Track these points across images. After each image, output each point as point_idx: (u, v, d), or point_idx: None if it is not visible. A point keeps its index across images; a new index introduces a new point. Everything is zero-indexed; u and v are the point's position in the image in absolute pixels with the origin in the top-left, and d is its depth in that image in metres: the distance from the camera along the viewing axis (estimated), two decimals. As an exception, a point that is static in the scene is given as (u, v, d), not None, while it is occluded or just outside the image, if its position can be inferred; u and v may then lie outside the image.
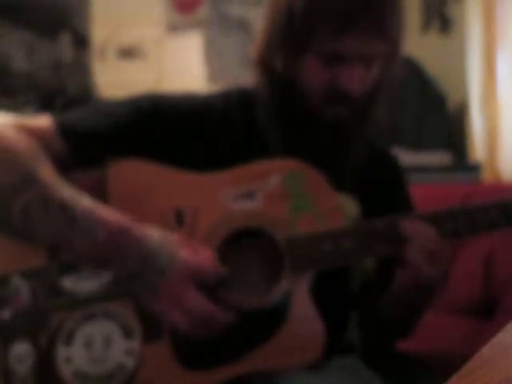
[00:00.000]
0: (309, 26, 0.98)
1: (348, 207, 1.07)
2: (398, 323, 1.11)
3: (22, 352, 0.91)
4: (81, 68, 2.60)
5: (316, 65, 1.00)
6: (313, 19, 0.98)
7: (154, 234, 0.91)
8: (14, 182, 0.91)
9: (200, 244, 0.94)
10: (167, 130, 1.03)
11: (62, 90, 2.48)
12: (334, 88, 1.00)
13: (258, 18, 1.09)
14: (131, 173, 0.98)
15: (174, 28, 3.12)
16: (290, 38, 1.01)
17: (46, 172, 0.93)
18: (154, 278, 0.90)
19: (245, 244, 0.97)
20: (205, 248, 0.94)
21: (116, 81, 2.88)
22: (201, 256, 0.92)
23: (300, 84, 1.02)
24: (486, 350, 0.66)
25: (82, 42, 2.63)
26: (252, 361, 0.94)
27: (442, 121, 2.93)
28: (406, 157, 2.39)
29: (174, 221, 0.96)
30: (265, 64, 1.06)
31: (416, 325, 1.13)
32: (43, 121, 1.00)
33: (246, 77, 1.09)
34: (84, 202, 0.92)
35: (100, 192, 0.95)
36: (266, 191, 0.99)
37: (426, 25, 3.07)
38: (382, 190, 1.14)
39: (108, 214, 0.91)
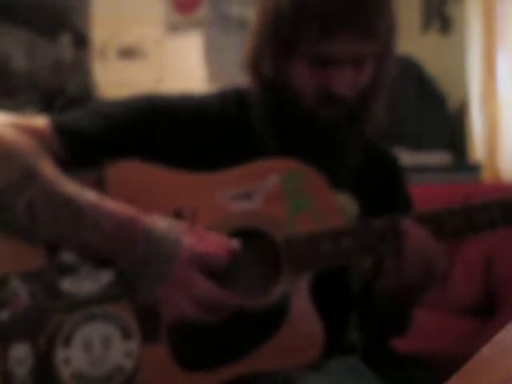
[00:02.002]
0: (296, 28, 0.98)
1: (346, 206, 1.07)
2: (390, 321, 1.11)
3: (21, 354, 0.91)
4: (81, 68, 2.60)
5: (305, 68, 1.00)
6: (300, 22, 0.98)
7: (159, 223, 0.92)
8: (17, 181, 0.91)
9: (204, 231, 0.94)
10: (165, 131, 1.03)
11: (62, 90, 2.48)
12: (325, 91, 1.00)
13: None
14: (129, 174, 0.98)
15: (174, 28, 3.12)
16: (278, 41, 1.01)
17: (48, 168, 0.93)
18: (159, 266, 0.90)
19: (244, 244, 0.97)
20: (215, 234, 0.94)
21: (116, 81, 2.88)
22: (207, 243, 0.92)
23: (291, 87, 1.02)
24: (486, 350, 0.66)
25: (81, 41, 2.63)
26: (251, 361, 0.94)
27: (442, 121, 2.92)
28: (406, 157, 2.39)
29: None
30: (255, 68, 1.06)
31: (408, 323, 1.13)
32: (41, 121, 1.00)
33: (246, 77, 1.09)
34: (88, 195, 0.92)
35: (98, 193, 0.94)
36: (265, 191, 0.99)
37: (425, 25, 3.07)
38: (382, 190, 1.14)
39: (113, 205, 0.92)
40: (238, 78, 1.11)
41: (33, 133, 0.97)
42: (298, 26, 0.98)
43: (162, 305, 0.92)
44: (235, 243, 0.93)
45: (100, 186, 0.96)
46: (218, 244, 0.93)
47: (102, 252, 0.92)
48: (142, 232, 0.91)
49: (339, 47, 0.97)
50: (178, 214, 0.97)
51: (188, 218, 0.97)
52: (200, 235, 0.93)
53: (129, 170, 0.98)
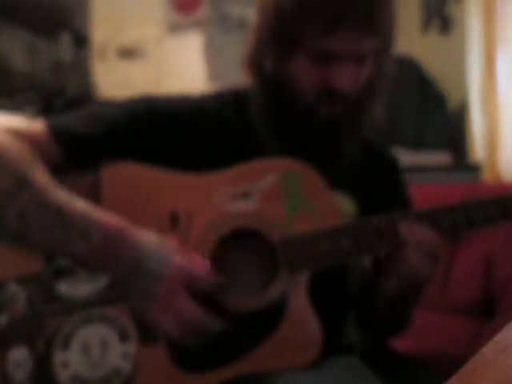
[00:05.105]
0: (297, 25, 0.98)
1: (345, 206, 1.07)
2: (390, 319, 1.11)
3: (19, 357, 0.91)
4: (81, 68, 2.59)
5: (306, 65, 1.00)
6: (301, 18, 0.98)
7: (148, 238, 0.91)
8: (8, 188, 0.91)
9: (192, 251, 0.94)
10: (162, 133, 1.03)
11: (62, 90, 2.47)
12: (326, 87, 1.00)
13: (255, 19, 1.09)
14: (125, 175, 0.98)
15: (173, 28, 3.12)
16: (279, 38, 1.01)
17: (41, 176, 0.92)
18: (146, 282, 0.89)
19: (241, 244, 0.97)
20: (197, 255, 0.94)
21: (116, 81, 2.88)
22: (195, 261, 0.91)
23: (292, 84, 1.02)
24: (486, 350, 0.66)
25: (81, 41, 2.62)
26: (249, 362, 0.94)
27: (442, 121, 2.93)
28: (405, 157, 2.39)
29: (168, 223, 0.96)
30: (256, 65, 1.05)
31: (408, 321, 1.13)
32: (36, 125, 0.99)
33: (246, 77, 1.09)
34: (79, 205, 0.91)
35: (94, 195, 0.94)
36: (262, 191, 0.99)
37: (425, 25, 3.07)
38: (380, 189, 1.14)
39: (103, 217, 0.91)
40: (238, 77, 1.11)
41: (27, 138, 0.96)
42: (301, 22, 0.98)
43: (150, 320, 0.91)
44: (218, 278, 0.92)
45: (96, 188, 0.96)
46: (203, 265, 0.92)
47: (90, 262, 0.91)
48: (129, 246, 0.89)
49: (341, 43, 0.97)
50: (174, 215, 0.97)
51: (184, 219, 0.97)
52: (186, 255, 0.92)
53: (125, 172, 0.98)
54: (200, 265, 0.91)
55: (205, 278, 0.91)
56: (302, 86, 1.01)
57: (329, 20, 0.96)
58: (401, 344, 1.19)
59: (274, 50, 1.02)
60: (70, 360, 0.92)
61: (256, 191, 0.99)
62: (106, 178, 0.97)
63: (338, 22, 0.96)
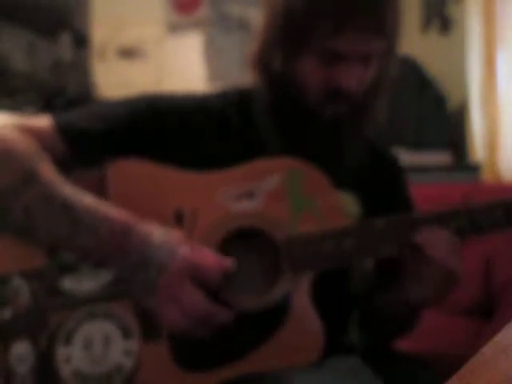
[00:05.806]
0: (306, 25, 0.98)
1: (348, 206, 1.07)
2: (401, 321, 1.11)
3: (22, 352, 0.92)
4: (81, 68, 2.59)
5: (314, 64, 1.00)
6: (311, 18, 0.98)
7: (155, 232, 0.91)
8: (15, 182, 0.91)
9: (199, 245, 0.94)
10: (165, 130, 1.03)
11: (62, 90, 2.47)
12: (332, 87, 1.00)
13: (258, 18, 1.09)
14: (130, 173, 0.98)
15: (173, 28, 3.12)
16: (287, 37, 1.01)
17: (47, 171, 0.93)
18: (152, 274, 0.90)
19: (244, 244, 0.97)
20: (204, 248, 0.94)
21: (116, 81, 2.88)
22: (202, 254, 0.92)
23: (298, 83, 1.02)
24: (486, 350, 0.66)
25: (81, 41, 2.62)
26: (251, 361, 0.94)
27: (442, 121, 2.93)
28: (406, 157, 2.39)
29: (173, 221, 0.96)
30: (262, 64, 1.05)
31: (417, 322, 1.13)
32: (43, 121, 1.00)
33: (246, 77, 1.09)
34: (86, 199, 0.92)
35: (99, 192, 0.94)
36: (266, 190, 0.99)
37: (425, 25, 3.07)
38: (382, 190, 1.14)
39: (110, 211, 0.91)
40: (238, 77, 1.11)
41: (33, 133, 0.97)
42: (310, 22, 0.98)
43: (155, 313, 0.91)
44: (229, 261, 0.92)
45: (101, 185, 0.96)
46: (211, 258, 0.92)
47: (96, 256, 0.92)
48: (136, 241, 0.90)
49: (349, 43, 0.97)
50: (178, 214, 0.97)
51: (189, 217, 0.97)
52: (195, 248, 0.92)
53: (130, 169, 0.98)
54: (207, 257, 0.91)
55: (210, 269, 0.91)
56: (308, 85, 1.01)
57: (338, 20, 0.96)
58: (401, 344, 1.19)
59: (281, 49, 1.02)
60: (72, 355, 0.92)
61: (260, 191, 0.99)
62: (111, 175, 0.97)
63: (348, 23, 0.96)
